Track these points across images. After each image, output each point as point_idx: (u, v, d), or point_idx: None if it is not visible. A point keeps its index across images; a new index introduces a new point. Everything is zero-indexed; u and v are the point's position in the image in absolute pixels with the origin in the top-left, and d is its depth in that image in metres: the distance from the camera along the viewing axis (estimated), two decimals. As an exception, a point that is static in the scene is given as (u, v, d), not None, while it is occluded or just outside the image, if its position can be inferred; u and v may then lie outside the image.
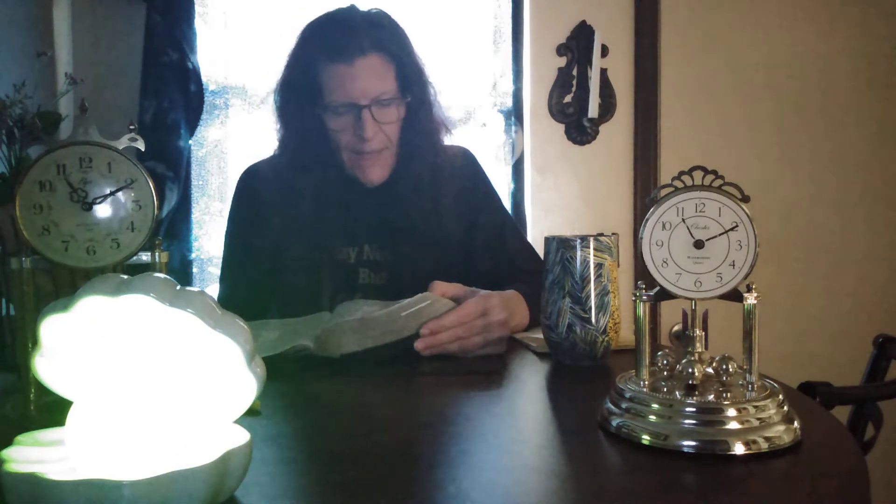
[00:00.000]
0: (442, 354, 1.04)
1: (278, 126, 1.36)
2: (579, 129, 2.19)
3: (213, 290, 1.97)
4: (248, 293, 1.37)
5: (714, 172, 0.69)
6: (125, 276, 0.53)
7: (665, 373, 0.72)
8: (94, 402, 0.53)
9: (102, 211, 0.78)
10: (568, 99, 2.18)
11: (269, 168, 1.40)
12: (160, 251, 0.80)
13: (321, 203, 1.33)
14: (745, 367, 0.68)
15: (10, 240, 0.94)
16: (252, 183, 1.42)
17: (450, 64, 2.10)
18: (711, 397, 0.66)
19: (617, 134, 2.21)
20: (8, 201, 0.79)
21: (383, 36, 1.29)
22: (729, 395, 0.66)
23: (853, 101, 2.29)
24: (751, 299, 0.67)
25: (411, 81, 1.32)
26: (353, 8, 1.33)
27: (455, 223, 1.38)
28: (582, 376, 0.96)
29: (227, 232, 1.45)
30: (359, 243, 1.36)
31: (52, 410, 0.75)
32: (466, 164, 1.47)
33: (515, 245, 1.47)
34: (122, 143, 0.79)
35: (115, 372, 0.56)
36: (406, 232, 1.35)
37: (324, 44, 1.28)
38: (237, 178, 1.46)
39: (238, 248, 1.42)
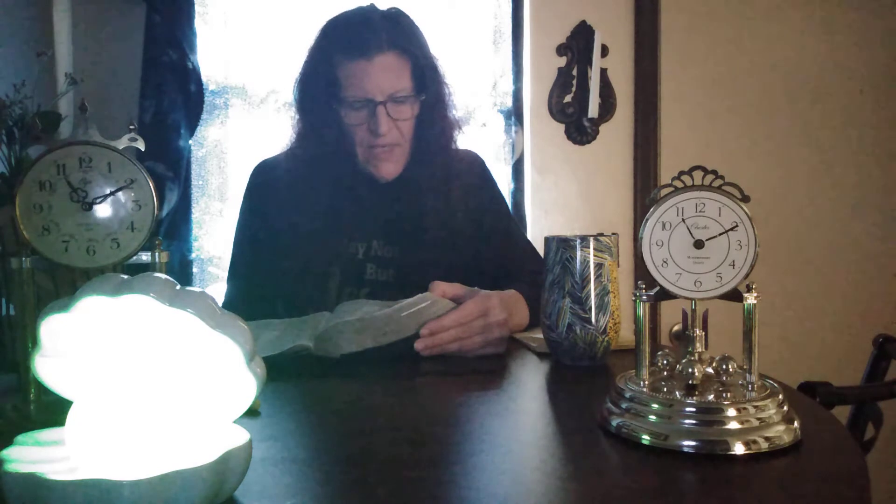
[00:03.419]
0: (442, 354, 1.04)
1: (297, 118, 1.38)
2: (579, 129, 2.19)
3: (213, 290, 1.98)
4: (257, 290, 1.38)
5: (714, 172, 0.69)
6: (125, 276, 0.53)
7: (665, 373, 0.72)
8: (94, 402, 0.53)
9: (102, 211, 0.78)
10: (568, 99, 2.18)
11: (283, 161, 1.41)
12: (160, 251, 0.80)
13: (333, 197, 1.35)
14: (745, 367, 0.68)
15: (10, 240, 0.94)
16: (264, 177, 1.44)
17: (450, 64, 2.09)
18: (711, 397, 0.66)
19: (617, 134, 2.21)
20: (8, 201, 0.79)
21: (401, 34, 1.31)
22: (729, 395, 0.66)
23: (853, 101, 2.29)
24: (751, 299, 0.67)
25: (426, 80, 1.34)
26: (372, 7, 1.36)
27: (462, 223, 1.40)
28: (582, 376, 0.96)
29: (237, 227, 1.46)
30: (367, 239, 1.37)
31: (52, 410, 0.75)
32: (476, 168, 1.50)
33: (519, 246, 1.49)
34: (122, 143, 0.79)
35: (115, 372, 0.56)
36: (414, 229, 1.36)
37: (342, 40, 1.30)
38: (248, 174, 1.47)
39: (248, 243, 1.43)
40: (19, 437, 0.55)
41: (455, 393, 0.91)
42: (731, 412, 0.64)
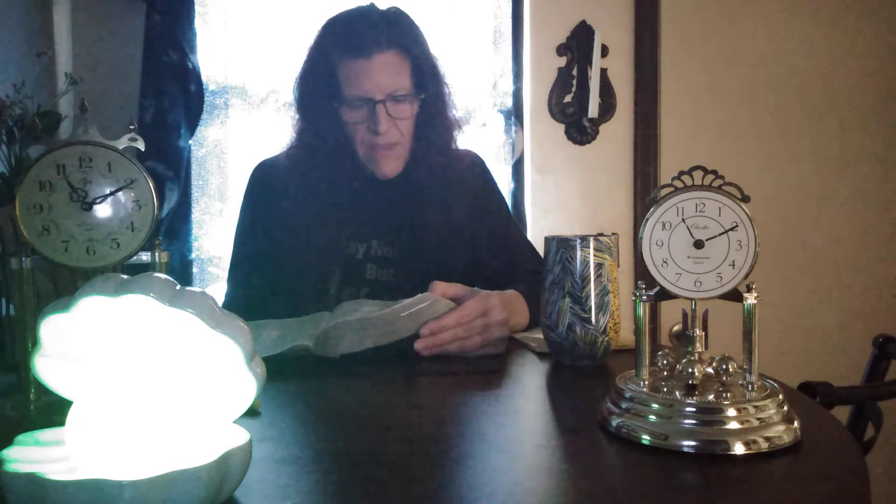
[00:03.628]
0: (442, 354, 1.04)
1: (297, 118, 1.39)
2: (579, 129, 2.19)
3: (213, 290, 1.98)
4: (258, 290, 1.38)
5: (714, 172, 0.69)
6: (125, 276, 0.53)
7: (665, 373, 0.72)
8: (94, 402, 0.53)
9: (102, 211, 0.78)
10: (568, 99, 2.18)
11: (283, 161, 1.41)
12: (160, 251, 0.80)
13: (333, 196, 1.35)
14: (745, 367, 0.68)
15: (10, 240, 0.94)
16: (265, 176, 1.44)
17: (450, 64, 2.10)
18: (711, 397, 0.66)
19: (617, 134, 2.21)
20: (8, 201, 0.79)
21: (400, 33, 1.31)
22: (729, 395, 0.66)
23: (854, 101, 2.29)
24: (751, 299, 0.67)
25: (426, 79, 1.34)
26: (371, 6, 1.36)
27: (462, 223, 1.40)
28: (582, 376, 0.96)
29: (237, 227, 1.46)
30: (367, 239, 1.38)
31: (52, 410, 0.75)
32: (476, 168, 1.50)
33: (519, 246, 1.49)
34: (122, 143, 0.79)
35: (115, 372, 0.56)
36: (414, 228, 1.36)
37: (342, 39, 1.30)
38: (248, 174, 1.47)
39: (249, 243, 1.43)
40: (19, 437, 0.55)
41: (455, 393, 0.91)
42: (731, 412, 0.64)
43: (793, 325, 2.24)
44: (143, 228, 0.79)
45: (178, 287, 0.53)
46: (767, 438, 0.63)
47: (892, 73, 2.31)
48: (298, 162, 1.37)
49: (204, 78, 1.92)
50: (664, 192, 0.70)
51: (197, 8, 1.91)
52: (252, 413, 0.76)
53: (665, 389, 0.68)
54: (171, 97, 1.84)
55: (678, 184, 0.70)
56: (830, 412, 0.78)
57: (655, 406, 0.66)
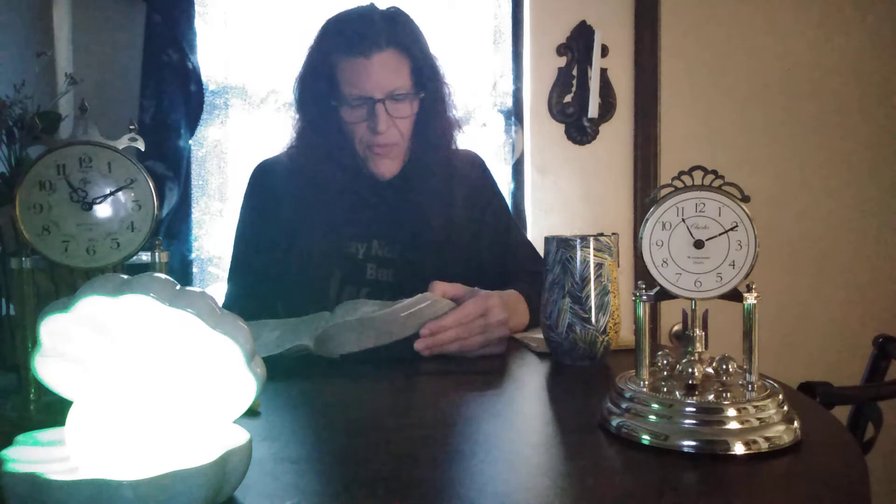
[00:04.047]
0: (442, 354, 1.04)
1: (296, 117, 1.39)
2: (579, 129, 2.19)
3: (213, 290, 1.98)
4: (258, 290, 1.38)
5: (714, 172, 0.69)
6: (125, 276, 0.53)
7: (665, 373, 0.72)
8: (94, 402, 0.53)
9: (102, 211, 0.78)
10: (568, 99, 2.18)
11: (283, 161, 1.41)
12: (160, 251, 0.80)
13: (333, 196, 1.35)
14: (745, 367, 0.68)
15: (10, 240, 0.94)
16: (265, 176, 1.44)
17: (450, 64, 2.10)
18: (711, 397, 0.66)
19: (617, 134, 2.21)
20: (8, 201, 0.79)
21: (400, 32, 1.32)
22: (729, 395, 0.66)
23: (854, 102, 2.29)
24: (751, 299, 0.67)
25: (426, 78, 1.34)
26: (371, 6, 1.36)
27: (462, 223, 1.40)
28: (582, 376, 0.96)
29: (237, 227, 1.46)
30: (367, 239, 1.38)
31: (52, 410, 0.75)
32: (476, 168, 1.50)
33: (519, 246, 1.49)
34: (122, 143, 0.79)
35: (115, 372, 0.56)
36: (414, 229, 1.36)
37: (342, 38, 1.31)
38: (248, 174, 1.47)
39: (249, 243, 1.44)
40: (19, 437, 0.55)
41: (455, 393, 0.91)
42: (731, 412, 0.64)
43: (792, 324, 2.24)
44: (143, 228, 0.79)
45: (178, 287, 0.53)
46: (767, 438, 0.63)
47: (891, 73, 2.30)
48: (298, 162, 1.38)
49: (204, 78, 1.92)
50: (664, 192, 0.70)
51: (197, 8, 1.91)
52: (252, 413, 0.76)
53: (665, 389, 0.68)
54: (171, 97, 1.84)
55: (678, 184, 0.70)
56: (830, 412, 0.78)
57: (655, 406, 0.66)
